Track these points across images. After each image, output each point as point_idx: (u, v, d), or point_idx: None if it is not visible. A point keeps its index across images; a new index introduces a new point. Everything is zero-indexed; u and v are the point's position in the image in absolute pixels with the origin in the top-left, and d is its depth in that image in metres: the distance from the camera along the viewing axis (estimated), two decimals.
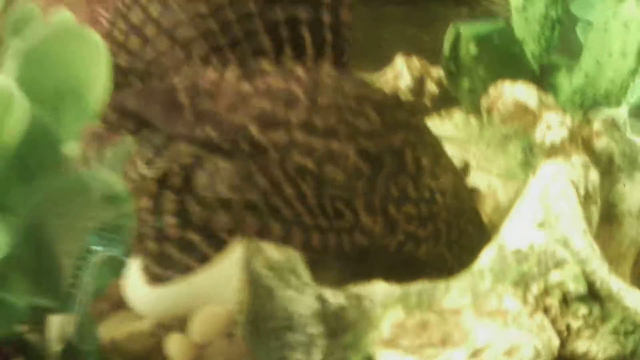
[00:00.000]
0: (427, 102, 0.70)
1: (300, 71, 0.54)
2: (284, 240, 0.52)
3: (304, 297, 0.53)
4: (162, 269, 0.52)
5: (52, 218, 0.50)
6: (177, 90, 0.54)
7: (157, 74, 0.56)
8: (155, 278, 0.52)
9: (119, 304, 0.66)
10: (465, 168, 0.65)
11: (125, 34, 0.58)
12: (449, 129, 0.69)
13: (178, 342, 0.61)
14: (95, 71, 0.52)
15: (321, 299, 0.53)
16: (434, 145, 0.57)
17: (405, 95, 0.70)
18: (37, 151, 0.51)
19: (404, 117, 0.55)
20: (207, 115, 0.53)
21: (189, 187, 0.53)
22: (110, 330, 0.61)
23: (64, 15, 0.64)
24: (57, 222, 0.50)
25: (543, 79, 0.71)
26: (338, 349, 0.53)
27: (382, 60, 0.74)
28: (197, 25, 0.55)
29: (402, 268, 0.59)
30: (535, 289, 0.52)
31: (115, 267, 0.54)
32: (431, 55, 0.83)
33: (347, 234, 0.53)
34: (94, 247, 0.52)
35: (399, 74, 0.70)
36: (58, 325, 0.57)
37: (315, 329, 0.53)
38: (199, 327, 0.63)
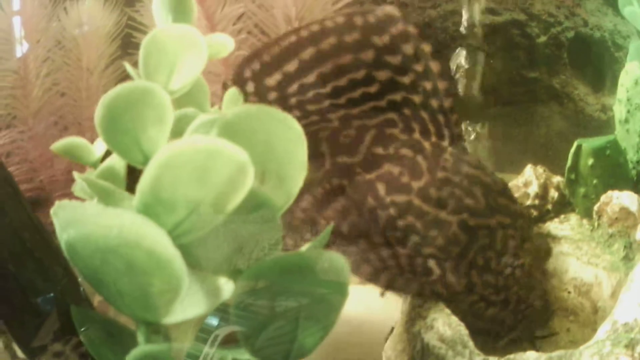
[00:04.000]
0: (549, 206, 0.78)
1: (427, 145, 0.63)
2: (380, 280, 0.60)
3: None
4: None
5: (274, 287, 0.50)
6: (321, 140, 0.63)
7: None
8: None
9: None
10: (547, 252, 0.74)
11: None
12: (566, 230, 0.77)
13: None
14: (296, 157, 0.50)
15: None
16: (523, 229, 0.66)
17: (532, 200, 0.78)
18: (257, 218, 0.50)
19: (504, 202, 0.64)
20: (343, 168, 0.62)
21: None
22: None
23: (236, 92, 0.69)
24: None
25: (639, 183, 0.79)
26: None
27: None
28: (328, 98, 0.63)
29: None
30: (639, 348, 0.61)
31: None
32: (528, 151, 0.92)
33: (430, 284, 0.61)
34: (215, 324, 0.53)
35: (528, 181, 0.79)
36: None
37: None
38: None
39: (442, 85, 0.62)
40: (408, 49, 0.61)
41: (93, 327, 0.58)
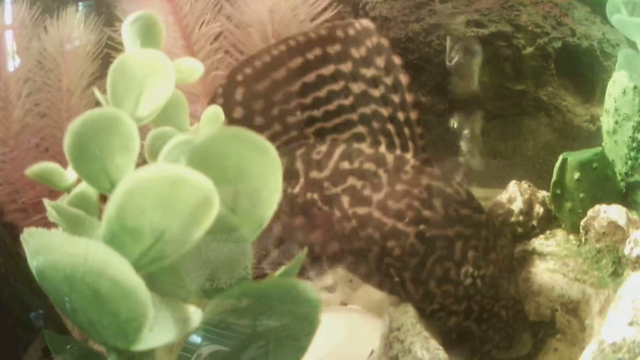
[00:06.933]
0: (534, 222, 0.77)
1: (390, 158, 0.65)
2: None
3: None
4: None
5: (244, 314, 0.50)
6: (296, 157, 0.66)
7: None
8: None
9: None
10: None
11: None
12: (552, 246, 0.76)
13: None
14: (270, 181, 0.48)
15: None
16: (488, 240, 0.66)
17: (517, 216, 0.76)
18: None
19: (466, 213, 0.65)
20: (315, 183, 0.65)
21: None
22: None
23: (215, 110, 0.69)
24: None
25: (627, 196, 0.77)
26: None
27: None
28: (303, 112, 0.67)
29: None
30: None
31: None
32: (515, 165, 0.91)
33: (394, 290, 0.64)
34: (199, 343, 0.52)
35: (512, 198, 0.77)
36: None
37: None
38: None
39: (409, 98, 0.64)
40: (380, 61, 0.64)
41: (68, 353, 0.58)
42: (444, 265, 0.63)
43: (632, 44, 0.90)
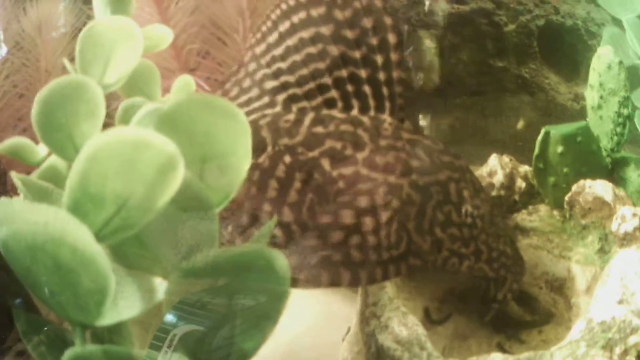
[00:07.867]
0: (516, 197, 0.76)
1: (365, 119, 0.64)
2: (353, 282, 0.58)
3: None
4: None
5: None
6: (261, 127, 0.63)
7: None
8: None
9: None
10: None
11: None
12: (535, 221, 0.75)
13: None
14: (240, 147, 0.48)
15: None
16: (474, 182, 0.66)
17: (498, 191, 0.75)
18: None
19: (448, 159, 0.65)
20: (285, 149, 0.62)
21: None
22: None
23: (186, 80, 0.68)
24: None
25: (614, 172, 0.76)
26: None
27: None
28: (278, 78, 0.65)
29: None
30: (618, 350, 0.59)
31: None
32: (496, 142, 0.90)
33: (403, 260, 0.60)
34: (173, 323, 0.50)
35: (493, 171, 0.76)
36: None
37: None
38: None
39: (394, 57, 0.63)
40: (367, 22, 0.63)
41: (43, 335, 0.57)
42: (443, 209, 0.63)
43: (617, 22, 0.89)
